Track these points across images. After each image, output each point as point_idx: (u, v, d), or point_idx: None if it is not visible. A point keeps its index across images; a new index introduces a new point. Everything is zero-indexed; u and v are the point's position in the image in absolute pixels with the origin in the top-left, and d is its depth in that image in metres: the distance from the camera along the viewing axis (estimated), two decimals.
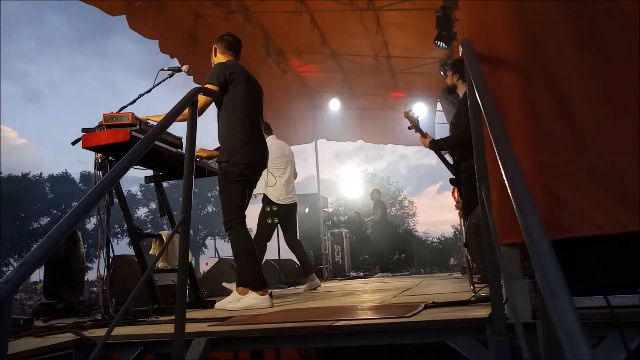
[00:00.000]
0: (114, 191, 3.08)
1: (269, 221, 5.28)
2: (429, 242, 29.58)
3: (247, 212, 3.30)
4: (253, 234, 4.95)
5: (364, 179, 28.37)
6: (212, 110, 3.30)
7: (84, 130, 3.00)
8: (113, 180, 1.65)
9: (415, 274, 12.24)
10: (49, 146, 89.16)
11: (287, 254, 6.16)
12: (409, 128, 4.12)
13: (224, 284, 4.67)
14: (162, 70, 3.41)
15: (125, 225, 3.23)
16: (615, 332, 1.54)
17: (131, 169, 1.96)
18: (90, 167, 3.18)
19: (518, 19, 1.84)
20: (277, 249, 6.68)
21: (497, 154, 1.19)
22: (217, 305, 3.24)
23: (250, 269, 3.15)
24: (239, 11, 6.75)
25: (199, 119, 2.57)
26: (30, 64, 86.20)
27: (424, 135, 4.00)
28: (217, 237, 38.35)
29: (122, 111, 3.09)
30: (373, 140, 11.11)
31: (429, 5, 6.30)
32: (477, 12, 1.98)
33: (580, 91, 1.72)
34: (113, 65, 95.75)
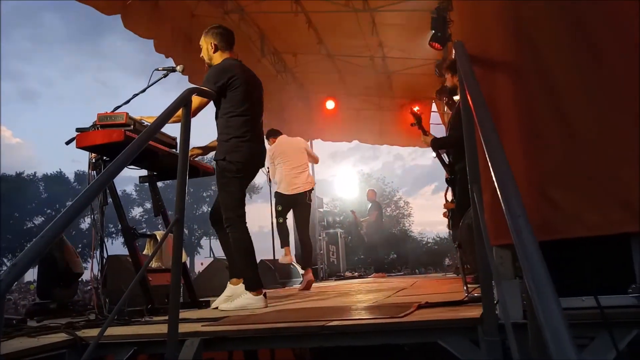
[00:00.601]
0: (108, 191, 3.08)
1: (280, 220, 5.59)
2: (424, 242, 29.65)
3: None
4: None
5: (359, 180, 28.39)
6: (210, 109, 3.29)
7: (78, 130, 2.99)
8: (107, 180, 1.64)
9: (410, 274, 12.26)
10: (43, 145, 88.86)
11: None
12: (411, 125, 4.17)
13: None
14: (157, 70, 3.40)
15: (120, 225, 3.22)
16: (606, 332, 1.55)
17: (126, 168, 1.97)
18: (84, 167, 3.19)
19: (511, 20, 1.84)
20: (272, 249, 6.70)
21: (487, 156, 1.20)
22: (214, 304, 3.25)
23: (246, 269, 3.16)
24: (235, 11, 6.76)
25: (195, 118, 2.57)
26: (25, 63, 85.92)
27: (425, 133, 4.03)
28: (212, 237, 38.27)
29: (117, 111, 3.09)
30: (368, 141, 11.15)
31: (424, 7, 6.33)
32: (471, 13, 1.99)
33: (574, 92, 1.72)
34: (108, 64, 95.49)
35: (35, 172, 43.59)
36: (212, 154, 3.42)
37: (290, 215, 5.73)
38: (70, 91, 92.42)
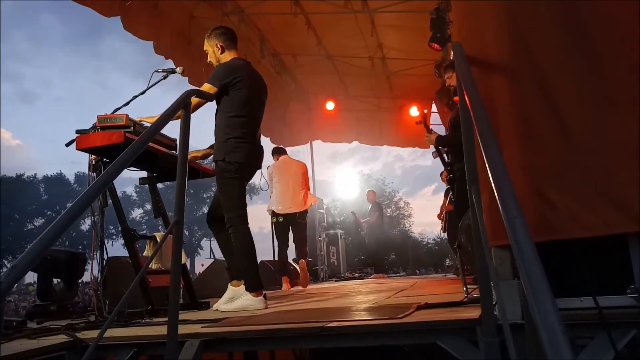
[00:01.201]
0: (108, 192, 3.08)
1: (279, 220, 6.04)
2: (424, 243, 29.67)
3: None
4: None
5: (359, 180, 28.40)
6: (208, 109, 3.28)
7: (78, 131, 2.99)
8: (106, 182, 1.65)
9: (411, 274, 12.26)
10: (43, 147, 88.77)
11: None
12: (417, 123, 4.25)
13: None
14: (157, 71, 3.39)
15: (120, 227, 3.23)
16: (604, 332, 1.55)
17: (126, 170, 1.98)
18: (85, 168, 3.19)
19: (508, 22, 1.85)
20: (272, 249, 6.71)
21: (484, 157, 1.21)
22: (215, 306, 3.26)
23: (247, 270, 3.16)
24: (234, 13, 6.76)
25: (195, 120, 2.57)
26: (24, 64, 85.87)
27: (429, 131, 4.06)
28: (212, 239, 38.16)
29: (116, 112, 3.09)
30: (368, 142, 11.15)
31: (423, 7, 6.33)
32: (468, 15, 1.99)
33: (570, 93, 1.73)
34: (107, 66, 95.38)
35: (35, 174, 43.67)
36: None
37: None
38: (69, 92, 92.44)
